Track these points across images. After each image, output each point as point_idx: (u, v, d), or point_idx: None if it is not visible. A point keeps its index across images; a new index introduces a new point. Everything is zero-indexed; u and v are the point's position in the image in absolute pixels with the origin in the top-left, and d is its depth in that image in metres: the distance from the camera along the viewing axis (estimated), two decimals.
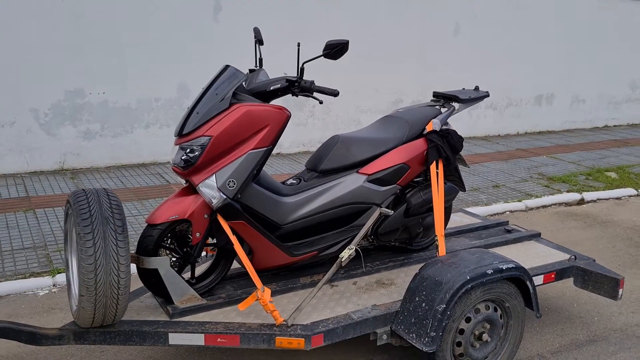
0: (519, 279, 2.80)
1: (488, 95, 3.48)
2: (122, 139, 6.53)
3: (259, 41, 3.06)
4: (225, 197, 2.61)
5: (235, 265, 3.01)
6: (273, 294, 2.89)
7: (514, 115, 9.32)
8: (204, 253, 3.36)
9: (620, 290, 3.25)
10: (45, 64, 6.01)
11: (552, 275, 3.30)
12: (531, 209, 5.83)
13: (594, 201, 6.18)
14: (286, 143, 7.54)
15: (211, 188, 2.60)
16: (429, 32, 8.16)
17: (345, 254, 2.79)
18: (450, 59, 8.38)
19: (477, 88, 3.53)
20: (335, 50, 2.66)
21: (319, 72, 6.93)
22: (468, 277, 2.63)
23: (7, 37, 5.80)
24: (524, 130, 9.50)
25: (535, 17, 8.99)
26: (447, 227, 3.70)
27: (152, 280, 2.69)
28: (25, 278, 3.83)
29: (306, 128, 7.60)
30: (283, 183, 3.03)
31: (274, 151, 7.55)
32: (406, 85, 8.11)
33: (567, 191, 6.28)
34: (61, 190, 5.58)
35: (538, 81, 9.34)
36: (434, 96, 3.50)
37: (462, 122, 8.60)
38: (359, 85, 7.75)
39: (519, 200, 5.90)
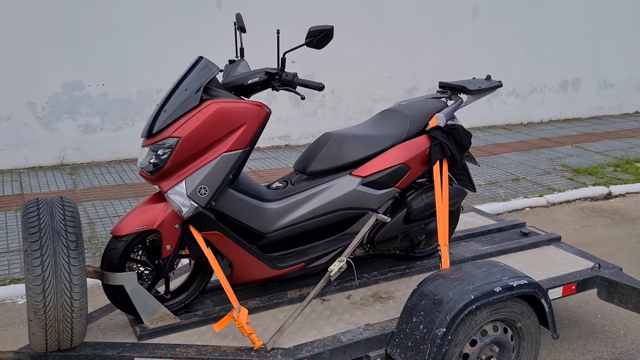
0: (532, 296, 2.47)
1: (501, 85, 3.12)
2: (123, 132, 6.30)
3: (241, 28, 2.76)
4: (196, 205, 2.33)
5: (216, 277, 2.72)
6: (256, 310, 2.61)
7: (538, 102, 8.83)
8: (186, 262, 3.10)
9: None
10: (40, 56, 5.78)
11: (573, 287, 2.95)
12: (553, 204, 5.42)
13: (623, 195, 5.74)
14: (295, 134, 7.23)
15: (181, 195, 2.32)
16: (446, 15, 7.72)
17: (335, 267, 2.48)
18: (468, 44, 7.93)
19: (488, 77, 3.17)
20: (318, 37, 2.33)
21: (325, 63, 6.62)
22: (472, 297, 2.30)
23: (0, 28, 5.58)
24: (548, 118, 9.00)
25: None
26: (457, 229, 3.36)
27: (119, 298, 2.43)
28: (4, 285, 3.62)
29: (315, 118, 7.28)
30: (268, 187, 2.73)
31: (282, 143, 7.27)
32: (421, 73, 7.70)
33: (593, 184, 5.85)
34: (57, 187, 5.37)
35: (563, 65, 8.81)
36: (440, 87, 3.14)
37: (481, 110, 8.17)
38: (371, 72, 7.37)
39: (540, 195, 5.50)
